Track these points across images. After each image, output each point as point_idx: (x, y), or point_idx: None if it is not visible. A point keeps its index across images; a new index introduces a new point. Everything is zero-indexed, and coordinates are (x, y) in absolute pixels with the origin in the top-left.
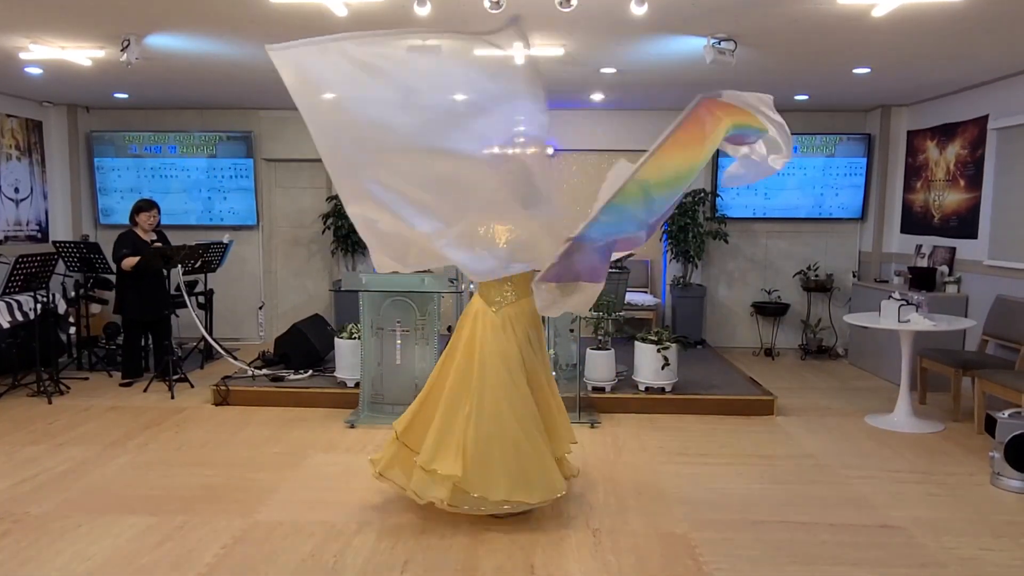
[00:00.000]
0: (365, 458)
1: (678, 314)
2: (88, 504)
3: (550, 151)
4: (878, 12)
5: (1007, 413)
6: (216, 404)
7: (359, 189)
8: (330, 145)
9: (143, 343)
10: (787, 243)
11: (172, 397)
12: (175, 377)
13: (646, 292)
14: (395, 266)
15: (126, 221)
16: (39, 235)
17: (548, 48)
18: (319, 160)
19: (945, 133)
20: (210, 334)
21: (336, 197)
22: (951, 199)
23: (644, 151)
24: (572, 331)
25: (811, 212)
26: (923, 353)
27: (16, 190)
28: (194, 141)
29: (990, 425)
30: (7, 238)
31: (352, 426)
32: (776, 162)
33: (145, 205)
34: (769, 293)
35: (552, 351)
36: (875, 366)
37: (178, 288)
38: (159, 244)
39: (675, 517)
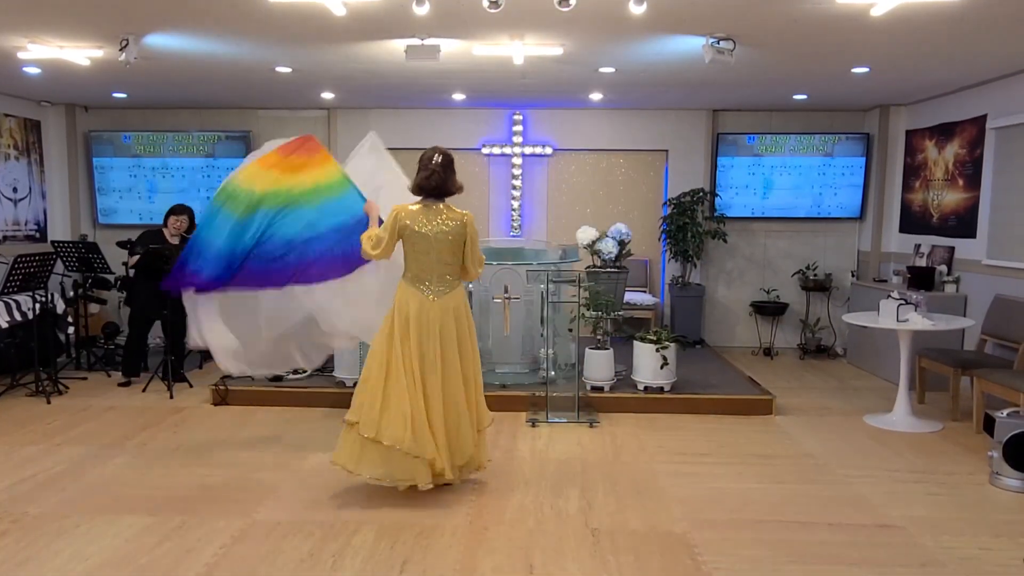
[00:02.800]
0: None
1: (677, 313)
2: (86, 504)
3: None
4: (877, 12)
5: (1006, 412)
6: (215, 404)
7: None
8: None
9: (146, 344)
10: (786, 243)
11: (171, 397)
12: (161, 376)
13: (645, 291)
14: None
15: (125, 221)
16: (37, 235)
17: (547, 48)
18: None
19: (944, 133)
20: None
21: None
22: (950, 199)
23: (643, 151)
24: (571, 331)
25: (810, 212)
26: (922, 352)
27: (14, 190)
28: (192, 141)
29: (989, 424)
30: (5, 238)
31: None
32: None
33: (178, 209)
34: (768, 292)
35: (551, 350)
36: (874, 365)
37: None
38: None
39: (674, 516)
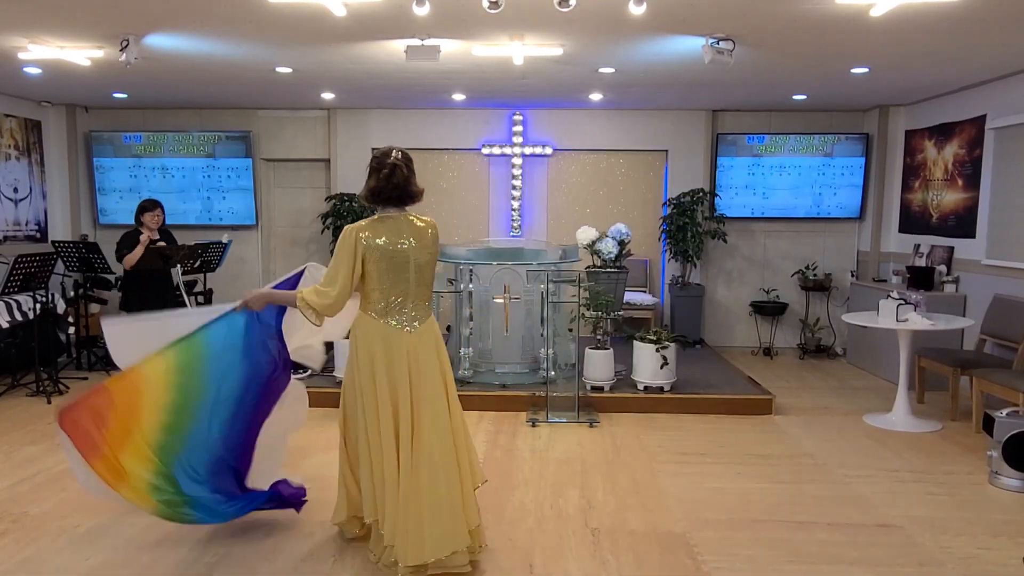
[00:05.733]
0: None
1: (677, 313)
2: (87, 504)
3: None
4: (876, 12)
5: (1005, 412)
6: None
7: None
8: None
9: None
10: (785, 243)
11: None
12: None
13: (645, 291)
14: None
15: (125, 221)
16: (38, 235)
17: (546, 48)
18: (318, 160)
19: (943, 133)
20: None
21: (335, 197)
22: (949, 199)
23: (643, 151)
24: (571, 331)
25: (809, 212)
26: (921, 352)
27: (15, 190)
28: (193, 141)
29: (988, 424)
30: (6, 238)
31: None
32: None
33: (149, 205)
34: (768, 292)
35: (551, 350)
36: (873, 365)
37: (177, 288)
38: (161, 243)
39: (674, 516)
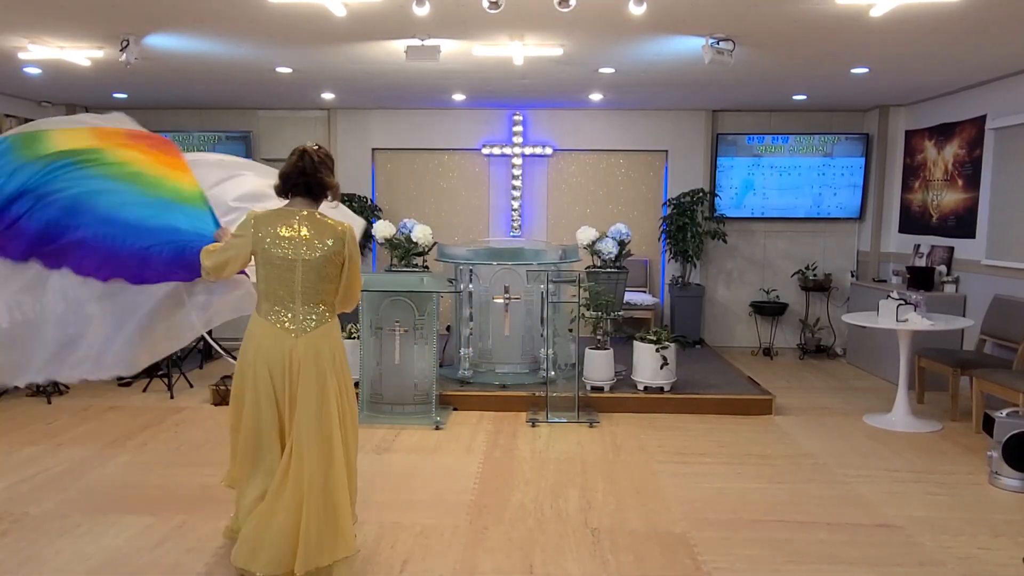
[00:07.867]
0: (363, 457)
1: (677, 314)
2: (87, 504)
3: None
4: (876, 12)
5: (1005, 412)
6: (215, 404)
7: None
8: None
9: None
10: (785, 243)
11: (171, 397)
12: (161, 374)
13: (645, 292)
14: None
15: None
16: None
17: (547, 48)
18: None
19: (943, 133)
20: (209, 333)
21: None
22: (949, 199)
23: (643, 151)
24: (571, 331)
25: (809, 212)
26: (921, 352)
27: None
28: (193, 141)
29: (988, 424)
30: None
31: None
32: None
33: None
34: (767, 293)
35: (551, 350)
36: (873, 365)
37: None
38: None
39: (673, 516)
